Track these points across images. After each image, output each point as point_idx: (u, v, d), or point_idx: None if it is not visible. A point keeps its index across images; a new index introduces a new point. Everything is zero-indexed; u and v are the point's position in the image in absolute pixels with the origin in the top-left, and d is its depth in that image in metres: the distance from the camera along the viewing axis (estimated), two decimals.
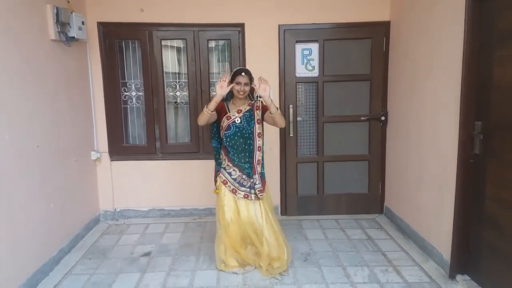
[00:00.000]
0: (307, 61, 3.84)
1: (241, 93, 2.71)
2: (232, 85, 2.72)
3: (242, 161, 2.78)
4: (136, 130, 4.07)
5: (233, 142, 2.76)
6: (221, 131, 2.81)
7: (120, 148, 3.98)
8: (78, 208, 3.55)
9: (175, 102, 4.04)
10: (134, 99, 3.97)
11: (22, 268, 2.63)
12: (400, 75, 3.61)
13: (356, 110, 3.92)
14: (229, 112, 2.78)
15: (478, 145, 2.51)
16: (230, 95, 2.83)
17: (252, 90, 2.81)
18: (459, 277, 2.70)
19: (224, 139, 2.79)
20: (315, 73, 3.85)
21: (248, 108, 2.78)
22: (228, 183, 2.79)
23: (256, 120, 2.77)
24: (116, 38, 3.82)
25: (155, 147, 3.99)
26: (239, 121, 2.75)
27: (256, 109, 2.78)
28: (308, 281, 2.75)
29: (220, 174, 2.81)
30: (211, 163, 3.89)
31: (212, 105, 2.64)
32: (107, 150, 3.93)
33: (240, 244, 2.83)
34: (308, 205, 4.06)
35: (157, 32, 3.81)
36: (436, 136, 2.96)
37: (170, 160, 3.99)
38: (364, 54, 3.84)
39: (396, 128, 3.73)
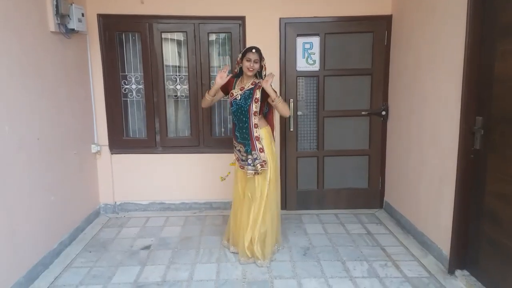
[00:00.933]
0: (308, 55, 3.84)
1: (251, 69, 2.77)
2: (229, 72, 2.80)
3: (243, 137, 2.86)
4: (136, 124, 4.07)
5: (236, 118, 2.86)
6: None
7: (120, 141, 3.98)
8: (79, 201, 3.56)
9: (175, 96, 4.03)
10: (134, 92, 3.97)
11: (22, 260, 2.65)
12: (401, 69, 3.60)
13: (357, 105, 3.92)
14: (234, 89, 2.88)
15: (479, 140, 2.50)
16: (241, 73, 2.90)
17: (261, 69, 2.87)
18: (458, 272, 2.70)
19: (232, 115, 2.91)
20: (316, 67, 3.84)
21: (250, 86, 2.83)
22: (239, 160, 2.93)
23: (254, 98, 2.80)
24: (116, 30, 3.80)
25: (155, 140, 3.99)
26: (239, 98, 2.83)
27: (257, 88, 2.82)
28: (308, 275, 2.76)
29: (235, 152, 2.96)
30: (212, 156, 3.96)
31: (212, 91, 2.87)
32: (107, 143, 3.93)
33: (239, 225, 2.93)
34: (308, 199, 4.07)
35: (157, 24, 3.80)
36: (437, 131, 2.96)
37: (170, 154, 3.99)
38: (365, 48, 3.83)
39: (397, 122, 3.72)
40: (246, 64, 2.76)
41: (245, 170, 2.86)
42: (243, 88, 2.83)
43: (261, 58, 2.81)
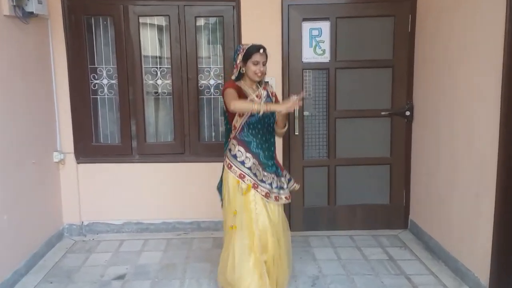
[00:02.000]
0: (316, 44, 3.85)
1: (259, 74, 2.69)
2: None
3: (268, 156, 2.77)
4: (108, 127, 4.07)
5: (255, 131, 2.73)
6: (240, 119, 2.71)
7: (88, 148, 3.98)
8: (37, 220, 3.53)
9: (156, 93, 4.03)
10: (105, 89, 3.97)
11: None
12: (428, 60, 3.61)
13: (375, 103, 3.93)
14: (250, 96, 2.73)
15: None
16: (239, 76, 2.77)
17: None
18: None
19: (245, 128, 2.72)
20: (326, 58, 3.86)
21: (265, 92, 2.79)
22: (247, 176, 2.69)
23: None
24: (83, 14, 3.82)
25: (131, 147, 3.99)
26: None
27: (272, 95, 2.85)
28: None
29: (233, 167, 2.70)
30: (200, 166, 3.96)
31: (268, 108, 2.52)
32: (72, 150, 3.93)
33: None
34: (316, 218, 4.06)
35: (134, 7, 3.81)
36: (472, 134, 2.96)
37: (149, 163, 4.00)
38: (385, 35, 3.85)
39: (424, 124, 3.73)
40: (252, 68, 2.66)
41: (272, 197, 2.72)
42: (260, 96, 2.74)
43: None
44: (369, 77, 3.91)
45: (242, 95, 2.69)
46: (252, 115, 2.67)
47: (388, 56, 3.87)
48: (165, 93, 4.02)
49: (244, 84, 2.76)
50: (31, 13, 3.25)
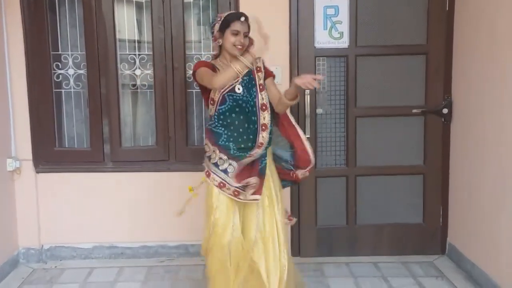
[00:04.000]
0: (332, 25, 3.86)
1: (239, 47, 2.75)
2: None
3: (244, 149, 2.81)
4: (74, 127, 4.08)
5: (226, 122, 2.81)
6: (212, 107, 2.85)
7: (50, 153, 3.98)
8: None
9: (134, 85, 4.04)
10: (71, 80, 3.97)
11: None
12: (471, 46, 3.61)
13: (405, 99, 3.94)
14: None
15: None
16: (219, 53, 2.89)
17: (249, 44, 2.83)
18: None
19: (215, 118, 2.83)
20: (344, 42, 3.87)
21: (246, 69, 2.75)
22: (227, 185, 2.79)
23: (258, 85, 2.82)
24: None
25: (103, 152, 3.99)
26: (240, 90, 2.80)
27: (257, 71, 2.84)
28: None
29: (212, 176, 2.82)
30: (188, 176, 3.89)
31: (243, 68, 2.62)
32: (30, 156, 3.93)
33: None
34: (332, 241, 4.06)
35: None
36: None
37: (125, 172, 4.01)
38: (417, 15, 3.86)
39: (465, 125, 3.73)
40: (231, 39, 2.75)
41: (248, 197, 2.79)
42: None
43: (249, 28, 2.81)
44: (398, 66, 3.92)
45: (213, 69, 2.79)
46: (222, 102, 2.79)
47: (420, 40, 3.88)
48: (145, 86, 4.03)
49: (221, 62, 2.86)
50: None
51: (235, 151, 2.80)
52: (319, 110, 3.94)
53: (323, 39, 3.87)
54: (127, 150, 4.05)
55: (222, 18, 2.79)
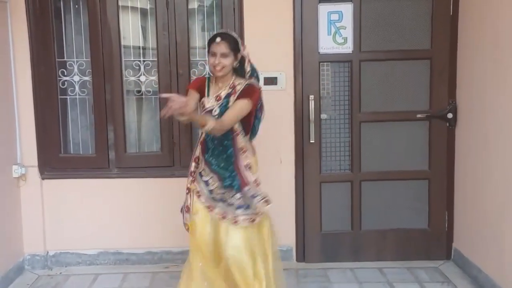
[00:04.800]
0: (336, 30, 3.85)
1: (218, 68, 2.78)
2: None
3: (221, 166, 2.87)
4: (80, 134, 4.09)
5: (209, 138, 2.86)
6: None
7: (55, 160, 3.99)
8: None
9: (139, 92, 4.05)
10: (77, 87, 3.98)
11: None
12: (476, 50, 3.60)
13: (410, 104, 3.94)
14: (208, 96, 2.89)
15: None
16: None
17: (243, 63, 2.88)
18: None
19: (204, 133, 2.89)
20: (348, 47, 3.87)
21: (228, 91, 2.85)
22: (202, 196, 2.90)
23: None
24: None
25: (108, 158, 3.99)
26: (216, 112, 2.81)
27: (233, 94, 2.84)
28: None
29: (195, 183, 2.94)
30: None
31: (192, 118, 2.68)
32: (36, 163, 3.93)
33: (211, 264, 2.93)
34: (337, 246, 4.05)
35: None
36: None
37: (130, 179, 4.01)
38: (421, 20, 3.87)
39: (470, 130, 3.72)
40: (210, 60, 2.80)
41: (220, 215, 2.85)
42: (220, 97, 2.85)
43: (235, 47, 2.82)
44: (402, 71, 3.92)
45: (202, 93, 2.90)
46: None
47: (425, 45, 3.88)
48: (149, 92, 4.04)
49: (214, 82, 2.91)
50: None
51: (215, 167, 2.86)
52: (323, 115, 3.93)
53: (327, 44, 3.87)
54: (132, 156, 4.06)
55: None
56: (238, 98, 2.80)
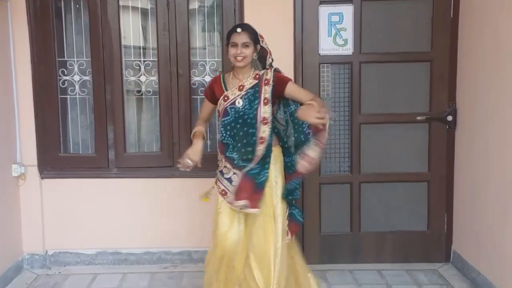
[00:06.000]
0: (337, 32, 3.84)
1: (239, 58, 2.80)
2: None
3: (247, 158, 2.86)
4: (79, 133, 4.10)
5: (233, 133, 2.87)
6: (218, 118, 2.99)
7: (55, 159, 3.99)
8: None
9: (139, 92, 4.06)
10: (77, 87, 3.99)
11: None
12: (476, 53, 3.59)
13: (409, 106, 3.93)
14: (226, 90, 2.91)
15: None
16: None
17: (265, 55, 2.91)
18: None
19: (222, 129, 2.91)
20: (348, 49, 3.86)
21: (254, 82, 2.87)
22: (228, 193, 2.89)
23: (262, 99, 2.83)
24: None
25: (107, 158, 3.99)
26: (240, 103, 2.84)
27: (265, 84, 2.84)
28: None
29: (218, 183, 2.96)
30: (192, 182, 3.97)
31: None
32: (35, 162, 3.93)
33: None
34: (336, 248, 4.04)
35: None
36: None
37: (129, 178, 4.01)
38: (421, 23, 3.87)
39: (470, 132, 3.72)
40: (231, 51, 2.82)
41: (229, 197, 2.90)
42: (243, 86, 2.87)
43: (255, 38, 2.86)
44: (402, 73, 3.93)
45: (218, 91, 2.92)
46: (225, 114, 2.88)
47: (425, 48, 3.88)
48: (150, 92, 4.04)
49: (232, 75, 2.94)
50: None
51: (239, 161, 2.87)
52: None
53: (327, 46, 3.87)
54: (131, 156, 4.06)
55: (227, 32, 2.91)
56: (280, 83, 2.84)
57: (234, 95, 2.87)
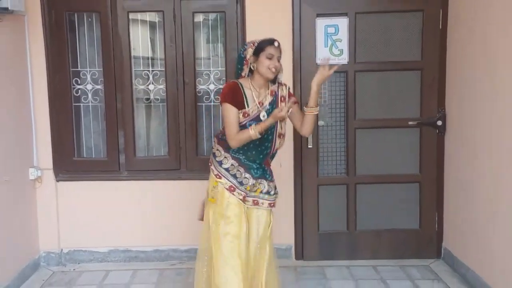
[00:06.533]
0: (333, 43, 3.91)
1: (273, 70, 2.75)
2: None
3: (253, 160, 2.88)
4: (92, 139, 4.15)
5: (245, 145, 2.82)
6: None
7: (69, 163, 4.04)
8: (9, 248, 3.55)
9: (147, 99, 4.12)
10: (90, 95, 4.05)
11: None
12: (464, 62, 3.65)
13: (402, 112, 3.99)
14: (248, 105, 2.79)
15: None
16: (239, 71, 2.89)
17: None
18: None
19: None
20: (344, 59, 3.91)
21: (271, 99, 2.84)
22: (237, 189, 2.84)
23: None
24: (66, 9, 3.91)
25: (118, 162, 4.05)
26: (264, 117, 2.78)
27: (281, 101, 2.85)
28: None
29: (223, 179, 2.84)
30: (197, 184, 3.84)
31: (262, 128, 2.71)
32: (51, 166, 3.98)
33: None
34: (334, 245, 4.10)
35: (123, 1, 3.89)
36: None
37: (139, 181, 4.06)
38: (412, 34, 3.92)
39: (459, 136, 3.77)
40: (266, 63, 2.73)
41: (252, 203, 2.90)
42: (262, 103, 2.82)
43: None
44: (394, 81, 3.98)
45: (239, 97, 2.77)
46: (242, 127, 2.78)
47: (416, 57, 3.93)
48: (158, 99, 4.10)
49: (250, 83, 2.83)
50: (6, 9, 3.26)
51: (245, 161, 2.85)
52: (320, 122, 3.97)
53: (324, 56, 3.82)
54: (141, 159, 4.11)
55: (256, 44, 2.77)
56: (294, 105, 2.81)
57: (254, 111, 2.78)
